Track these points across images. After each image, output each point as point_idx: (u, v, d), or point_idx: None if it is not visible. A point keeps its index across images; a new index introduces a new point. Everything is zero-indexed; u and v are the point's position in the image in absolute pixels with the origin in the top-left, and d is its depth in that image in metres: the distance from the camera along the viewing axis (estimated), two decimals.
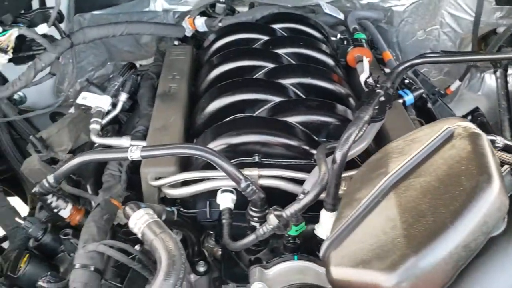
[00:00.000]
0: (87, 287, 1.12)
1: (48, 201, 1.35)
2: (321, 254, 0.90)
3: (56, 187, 1.33)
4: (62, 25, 1.63)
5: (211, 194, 1.43)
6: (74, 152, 1.74)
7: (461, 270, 0.73)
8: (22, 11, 1.51)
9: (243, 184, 1.25)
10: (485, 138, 0.87)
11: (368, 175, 0.93)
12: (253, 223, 1.33)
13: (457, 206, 0.72)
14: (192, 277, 1.47)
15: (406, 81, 1.86)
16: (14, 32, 1.43)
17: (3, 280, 1.44)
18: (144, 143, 1.51)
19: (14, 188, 1.97)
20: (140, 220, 1.19)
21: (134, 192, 1.51)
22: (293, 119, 1.45)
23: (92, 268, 1.15)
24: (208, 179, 1.39)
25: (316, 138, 1.45)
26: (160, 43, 2.21)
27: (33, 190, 1.33)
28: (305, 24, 2.03)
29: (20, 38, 1.52)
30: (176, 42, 2.17)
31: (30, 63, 1.52)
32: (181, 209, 1.48)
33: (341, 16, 2.19)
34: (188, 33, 2.15)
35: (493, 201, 0.73)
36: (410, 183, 0.79)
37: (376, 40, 2.11)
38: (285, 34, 1.97)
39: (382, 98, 1.36)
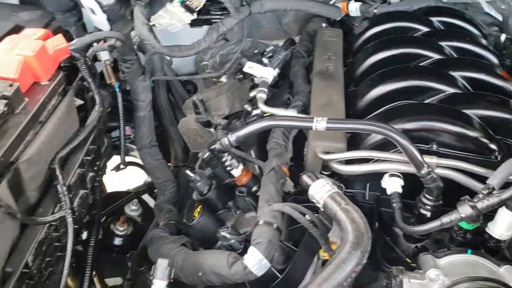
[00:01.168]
0: (270, 244, 1.16)
1: (224, 159, 1.41)
2: None
3: (233, 146, 1.39)
4: None
5: (372, 176, 1.42)
6: (228, 118, 1.79)
7: None
8: None
9: (424, 171, 1.23)
10: None
11: None
12: (423, 211, 1.31)
13: None
14: None
15: None
16: None
17: (163, 227, 1.53)
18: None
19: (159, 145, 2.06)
20: (322, 189, 1.22)
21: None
22: (470, 112, 1.41)
23: (275, 226, 1.19)
24: (377, 161, 1.38)
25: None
26: (308, 24, 2.22)
27: (212, 147, 1.39)
28: (464, 20, 1.97)
29: None
30: (324, 25, 2.17)
31: (210, 26, 1.58)
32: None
33: (499, 17, 2.10)
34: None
35: None
36: None
37: None
38: (442, 28, 1.92)
39: None
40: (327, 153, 1.41)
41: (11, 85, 1.10)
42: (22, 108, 1.12)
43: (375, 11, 2.02)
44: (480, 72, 1.57)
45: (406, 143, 1.22)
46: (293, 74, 1.87)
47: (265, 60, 2.09)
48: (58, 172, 1.18)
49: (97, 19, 1.45)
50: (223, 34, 1.56)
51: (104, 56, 1.65)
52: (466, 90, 1.55)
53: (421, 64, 1.66)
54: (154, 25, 1.56)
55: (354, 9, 2.08)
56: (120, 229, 1.77)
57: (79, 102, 1.49)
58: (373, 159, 1.37)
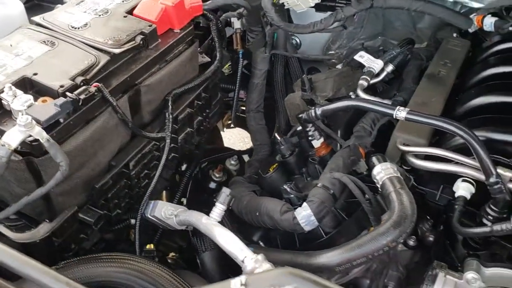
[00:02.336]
0: (322, 205, 1.29)
1: (308, 129, 1.56)
2: None
3: (319, 119, 1.52)
4: None
5: (448, 179, 1.44)
6: (330, 101, 1.92)
7: None
8: None
9: (492, 179, 1.24)
10: None
11: None
12: (485, 221, 1.31)
13: None
14: (400, 247, 1.53)
15: None
16: None
17: (246, 177, 1.74)
18: None
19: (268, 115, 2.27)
20: (385, 171, 1.30)
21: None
22: None
23: (331, 192, 1.31)
24: (452, 163, 1.39)
25: None
26: (439, 31, 2.22)
27: (300, 115, 1.55)
28: None
29: None
30: (454, 34, 2.15)
31: (331, 13, 1.72)
32: (413, 182, 1.53)
33: None
34: (471, 29, 2.10)
35: None
36: None
37: None
38: None
39: None
40: (407, 145, 1.47)
41: (150, 26, 1.39)
42: (154, 46, 1.41)
43: (511, 28, 1.95)
44: None
45: (478, 147, 1.24)
46: (405, 73, 1.91)
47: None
48: (170, 103, 1.46)
49: None
50: (340, 20, 1.69)
51: (237, 24, 1.90)
52: None
53: None
54: (283, 3, 1.75)
55: (489, 23, 2.02)
56: (216, 175, 2.02)
57: (207, 59, 1.76)
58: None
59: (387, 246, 1.15)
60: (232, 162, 2.15)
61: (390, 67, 1.94)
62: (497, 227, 1.19)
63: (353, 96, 1.88)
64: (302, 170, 1.59)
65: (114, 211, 1.43)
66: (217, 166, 2.06)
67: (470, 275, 1.19)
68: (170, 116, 1.44)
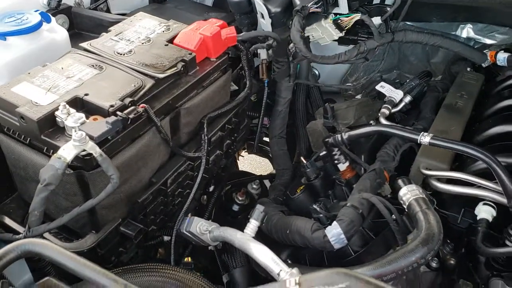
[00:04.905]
0: (351, 224, 1.35)
1: (334, 153, 1.63)
2: None
3: (344, 144, 1.60)
4: None
5: (469, 203, 1.50)
6: (351, 128, 2.01)
7: None
8: (366, 3, 1.82)
9: None
10: None
11: None
12: (508, 243, 1.37)
13: None
14: (422, 268, 1.58)
15: None
16: (356, 17, 1.74)
17: (272, 199, 1.80)
18: None
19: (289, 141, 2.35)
20: (411, 192, 1.37)
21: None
22: None
23: (359, 211, 1.37)
24: (474, 187, 1.46)
25: None
26: (453, 65, 2.32)
27: (326, 139, 1.63)
28: None
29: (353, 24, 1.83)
30: (468, 69, 2.26)
31: (354, 45, 1.82)
32: (435, 206, 1.59)
33: None
34: (485, 64, 2.21)
35: None
36: None
37: None
38: None
39: None
40: (429, 170, 1.54)
41: (190, 54, 1.49)
42: (193, 72, 1.51)
43: None
44: None
45: (500, 171, 1.31)
46: (423, 104, 2.00)
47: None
48: (205, 125, 1.54)
49: (264, 22, 1.80)
50: (363, 52, 1.78)
51: (263, 55, 2.00)
52: None
53: None
54: (308, 36, 1.86)
55: (502, 58, 2.13)
56: (240, 198, 2.09)
57: (235, 87, 1.86)
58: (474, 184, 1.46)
59: (416, 262, 1.20)
60: (254, 186, 2.22)
61: (408, 98, 2.03)
62: None
63: (373, 124, 1.98)
64: (328, 192, 1.65)
65: (150, 226, 1.49)
66: (239, 189, 2.13)
67: None
68: (206, 138, 1.52)
